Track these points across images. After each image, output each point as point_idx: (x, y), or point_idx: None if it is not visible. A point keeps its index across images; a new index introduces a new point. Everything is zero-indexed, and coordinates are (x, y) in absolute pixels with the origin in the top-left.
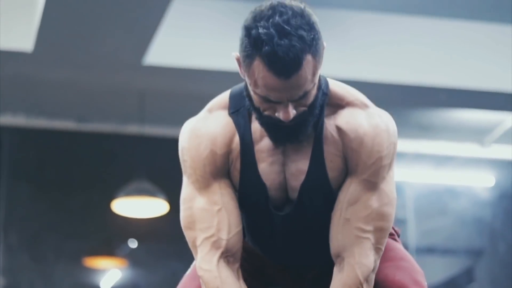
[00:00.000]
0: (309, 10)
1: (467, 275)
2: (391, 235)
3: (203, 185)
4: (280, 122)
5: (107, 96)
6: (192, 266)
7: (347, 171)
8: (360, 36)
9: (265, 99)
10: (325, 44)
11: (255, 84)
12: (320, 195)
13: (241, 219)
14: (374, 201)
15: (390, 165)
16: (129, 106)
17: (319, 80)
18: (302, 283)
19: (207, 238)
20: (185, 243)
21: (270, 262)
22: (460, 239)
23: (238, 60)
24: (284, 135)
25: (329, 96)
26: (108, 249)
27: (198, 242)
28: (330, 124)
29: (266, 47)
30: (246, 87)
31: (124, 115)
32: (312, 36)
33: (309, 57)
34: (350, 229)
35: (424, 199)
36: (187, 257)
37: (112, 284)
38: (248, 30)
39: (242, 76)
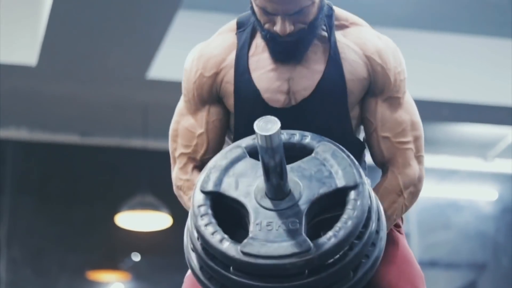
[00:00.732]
0: None
1: None
2: (397, 226)
3: (193, 107)
4: (279, 36)
5: (110, 110)
6: (186, 277)
7: (368, 82)
8: None
9: (263, 11)
10: None
11: None
12: (333, 95)
13: (221, 147)
14: (404, 115)
15: (405, 79)
16: (133, 120)
17: (321, 0)
18: None
19: (184, 153)
20: None
21: None
22: (463, 253)
23: None
24: (283, 51)
25: (334, 17)
26: (111, 263)
27: (176, 154)
28: (341, 38)
29: None
30: (251, 1)
31: (128, 129)
32: None
33: None
34: (392, 144)
35: (427, 213)
36: None
37: None
38: None
39: None
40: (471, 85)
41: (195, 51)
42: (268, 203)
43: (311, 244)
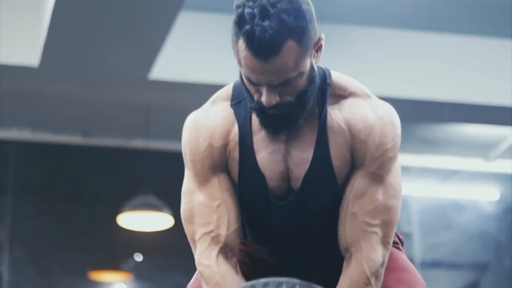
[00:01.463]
0: (307, 0)
1: None
2: (395, 243)
3: (203, 179)
4: (266, 108)
5: (112, 111)
6: (195, 275)
7: (352, 163)
8: (365, 51)
9: (248, 80)
10: (323, 36)
11: (240, 64)
12: (324, 184)
13: (240, 215)
14: (380, 195)
15: (395, 158)
16: (135, 121)
17: (313, 72)
18: None
19: (206, 233)
20: (190, 256)
21: (274, 264)
22: (465, 253)
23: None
24: (273, 123)
25: (332, 87)
26: (114, 263)
27: (197, 237)
28: (335, 113)
29: (247, 26)
30: (241, 78)
31: (130, 129)
32: (299, 23)
33: (291, 43)
34: (357, 223)
35: (429, 213)
36: (192, 271)
37: None
38: (236, 8)
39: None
40: (473, 85)
41: (193, 121)
42: None
43: None
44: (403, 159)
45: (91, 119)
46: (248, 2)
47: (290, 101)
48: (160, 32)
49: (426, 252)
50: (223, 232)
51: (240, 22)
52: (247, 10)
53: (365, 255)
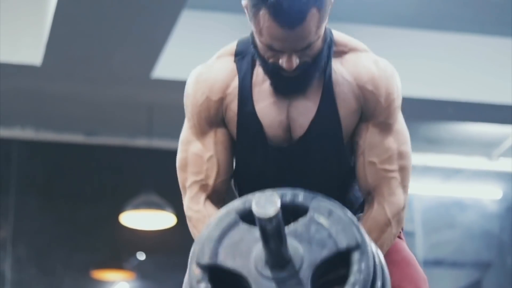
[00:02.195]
0: None
1: None
2: None
3: (199, 132)
4: (284, 71)
5: (115, 110)
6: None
7: (360, 114)
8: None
9: (270, 48)
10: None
11: (260, 33)
12: (328, 133)
13: (231, 168)
14: (393, 142)
15: (399, 107)
16: (138, 120)
17: (324, 32)
18: None
19: (196, 181)
20: None
21: None
22: (468, 252)
23: (246, 7)
24: (287, 85)
25: (333, 43)
26: (116, 262)
27: (187, 184)
28: (338, 68)
29: None
30: (252, 34)
31: (133, 128)
32: None
33: (314, 10)
34: (377, 170)
35: (432, 212)
36: None
37: None
38: None
39: (248, 19)
40: (476, 84)
41: (196, 75)
42: (269, 272)
43: None
44: None
45: (94, 118)
46: None
47: (308, 62)
48: (162, 30)
49: (428, 251)
50: (211, 182)
51: None
52: None
53: (387, 199)
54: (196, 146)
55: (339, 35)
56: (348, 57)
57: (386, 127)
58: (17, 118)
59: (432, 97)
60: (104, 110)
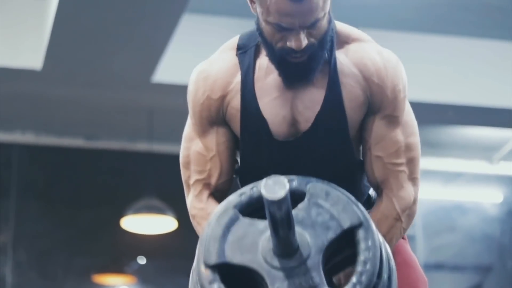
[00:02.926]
0: None
1: None
2: None
3: (201, 130)
4: (292, 55)
5: (116, 114)
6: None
7: (367, 106)
8: None
9: (277, 27)
10: None
11: (268, 12)
12: (334, 126)
13: (233, 167)
14: (400, 135)
15: (406, 97)
16: (138, 124)
17: (329, 14)
18: None
19: (199, 180)
20: (194, 260)
21: None
22: (469, 256)
23: None
24: (296, 71)
25: (336, 34)
26: (117, 266)
27: (191, 182)
28: (343, 58)
29: None
30: (257, 22)
31: (133, 132)
32: None
33: None
34: (384, 165)
35: (433, 215)
36: None
37: None
38: None
39: (253, 11)
40: (476, 88)
41: (198, 72)
42: (280, 263)
43: None
44: None
45: (94, 122)
46: None
47: (314, 43)
48: (163, 35)
49: (429, 255)
50: (213, 181)
51: None
52: None
53: (396, 193)
54: (198, 145)
55: (341, 25)
56: (352, 48)
57: (393, 120)
58: (17, 122)
59: (432, 100)
60: (105, 114)
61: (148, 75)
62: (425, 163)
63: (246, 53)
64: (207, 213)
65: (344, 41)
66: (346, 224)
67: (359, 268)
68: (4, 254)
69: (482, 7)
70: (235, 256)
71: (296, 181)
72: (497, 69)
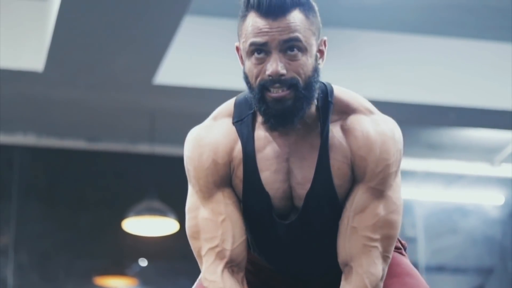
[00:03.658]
0: None
1: None
2: (397, 248)
3: (207, 195)
4: (271, 87)
5: (117, 116)
6: (198, 280)
7: (353, 179)
8: (370, 55)
9: (254, 47)
10: (326, 39)
11: (246, 38)
12: (325, 203)
13: (245, 228)
14: (381, 209)
15: (396, 172)
16: (140, 126)
17: (317, 69)
18: None
19: (211, 249)
20: (195, 261)
21: (276, 274)
22: (470, 258)
23: (237, 47)
24: (277, 108)
25: (334, 103)
26: (119, 268)
27: (203, 252)
28: (337, 130)
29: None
30: (245, 76)
31: (135, 134)
32: (307, 1)
33: (298, 12)
34: (358, 237)
35: (434, 217)
36: (197, 276)
37: None
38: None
39: (240, 63)
40: (478, 90)
41: (196, 138)
42: None
43: None
44: (408, 163)
45: (96, 124)
46: None
47: (295, 78)
48: (164, 36)
49: (431, 257)
50: (228, 246)
51: (249, 1)
52: None
53: (366, 269)
54: (206, 211)
55: (342, 93)
56: (348, 120)
57: (376, 193)
58: (19, 124)
59: (434, 102)
60: (106, 116)
61: (149, 77)
62: (426, 165)
63: (243, 122)
64: (219, 287)
65: (342, 110)
66: None
67: None
68: (5, 256)
69: (483, 9)
70: None
71: None
72: (498, 71)
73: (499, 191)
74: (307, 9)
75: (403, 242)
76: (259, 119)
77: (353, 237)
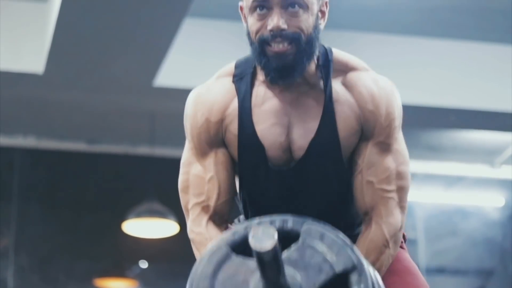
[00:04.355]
0: None
1: None
2: None
3: (200, 153)
4: (272, 42)
5: (117, 118)
6: None
7: (361, 133)
8: (370, 57)
9: (257, 6)
10: (327, 1)
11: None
12: (327, 154)
13: (233, 188)
14: (391, 162)
15: (399, 126)
16: (140, 128)
17: (318, 27)
18: None
19: (197, 203)
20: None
21: None
22: (471, 260)
23: (241, 6)
24: (278, 62)
25: (334, 62)
26: (119, 270)
27: (189, 206)
28: (339, 86)
29: None
30: (248, 32)
31: (135, 136)
32: None
33: None
34: (374, 190)
35: (434, 219)
36: None
37: None
38: None
39: (243, 22)
40: (478, 91)
41: (195, 96)
42: None
43: None
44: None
45: (96, 126)
46: None
47: (297, 32)
48: (164, 39)
49: (431, 259)
50: (212, 203)
51: None
52: None
53: (385, 219)
54: (197, 168)
55: (339, 54)
56: (348, 77)
57: (385, 147)
58: (19, 126)
59: (434, 104)
60: (106, 118)
61: (149, 79)
62: (426, 167)
63: (242, 79)
64: (205, 238)
65: (341, 69)
66: (339, 267)
67: None
68: (6, 258)
69: (484, 11)
70: None
71: (290, 222)
72: (499, 73)
73: (499, 193)
74: None
75: (404, 233)
76: (260, 77)
77: (369, 190)
